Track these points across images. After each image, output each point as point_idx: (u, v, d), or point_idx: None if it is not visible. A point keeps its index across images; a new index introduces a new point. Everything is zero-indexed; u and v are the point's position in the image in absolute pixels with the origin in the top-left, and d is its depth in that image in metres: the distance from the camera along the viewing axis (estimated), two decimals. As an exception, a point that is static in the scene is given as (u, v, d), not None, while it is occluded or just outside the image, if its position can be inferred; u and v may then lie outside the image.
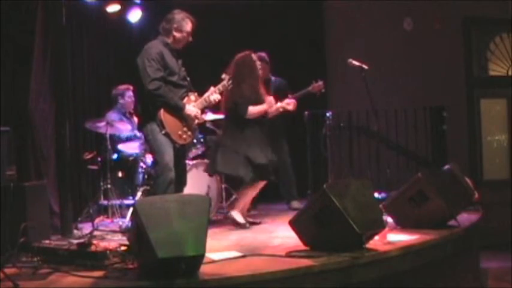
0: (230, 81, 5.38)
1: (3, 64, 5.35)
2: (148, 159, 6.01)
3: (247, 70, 5.54)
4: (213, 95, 5.31)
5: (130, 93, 6.51)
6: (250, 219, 5.74)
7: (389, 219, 4.87)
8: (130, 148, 6.31)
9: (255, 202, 6.97)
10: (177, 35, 5.15)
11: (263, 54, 6.82)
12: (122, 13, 7.02)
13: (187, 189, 5.32)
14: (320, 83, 6.62)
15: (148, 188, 5.87)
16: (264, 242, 4.69)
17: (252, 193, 5.62)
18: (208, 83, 5.44)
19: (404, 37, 8.34)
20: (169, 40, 5.16)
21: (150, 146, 5.13)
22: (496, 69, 8.68)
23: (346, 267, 3.75)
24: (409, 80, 8.15)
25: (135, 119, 6.34)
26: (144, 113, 5.14)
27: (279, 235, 4.96)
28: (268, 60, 6.73)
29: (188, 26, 5.17)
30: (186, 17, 5.18)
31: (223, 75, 5.42)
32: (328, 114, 7.16)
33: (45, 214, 4.86)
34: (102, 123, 5.93)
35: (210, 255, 3.71)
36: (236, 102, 5.48)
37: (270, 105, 5.64)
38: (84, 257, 3.74)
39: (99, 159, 6.14)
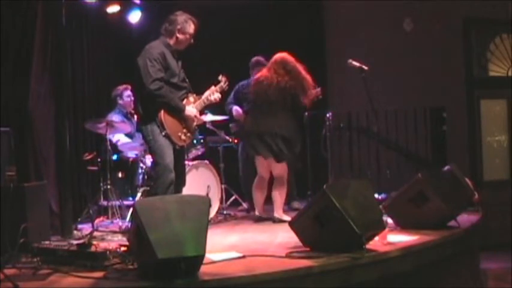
0: (227, 83, 5.47)
1: (3, 64, 5.35)
2: (148, 160, 6.01)
3: (297, 68, 5.84)
4: (214, 94, 5.36)
5: (129, 92, 6.52)
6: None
7: (390, 220, 4.87)
8: (131, 149, 6.32)
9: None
10: (180, 36, 5.14)
11: (261, 58, 6.80)
12: (122, 14, 7.02)
13: (187, 190, 5.32)
14: (317, 89, 6.55)
15: (148, 188, 5.87)
16: (264, 243, 4.69)
17: (285, 190, 5.95)
18: (207, 84, 5.47)
19: (404, 37, 8.34)
20: (172, 42, 5.15)
21: (150, 146, 5.10)
22: (496, 70, 8.68)
23: (346, 267, 3.75)
24: (409, 80, 8.15)
25: (135, 119, 6.35)
26: (144, 114, 5.12)
27: (279, 236, 4.96)
28: (266, 64, 6.72)
29: (191, 28, 5.17)
30: (189, 19, 5.17)
31: (220, 77, 5.48)
32: (328, 115, 7.16)
33: (45, 215, 4.85)
34: (102, 124, 5.93)
35: (210, 255, 3.70)
36: (297, 95, 5.81)
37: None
38: (84, 257, 3.73)
39: (99, 159, 6.14)
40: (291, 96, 5.79)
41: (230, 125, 6.98)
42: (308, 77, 5.85)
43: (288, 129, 5.81)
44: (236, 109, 6.83)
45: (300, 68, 5.84)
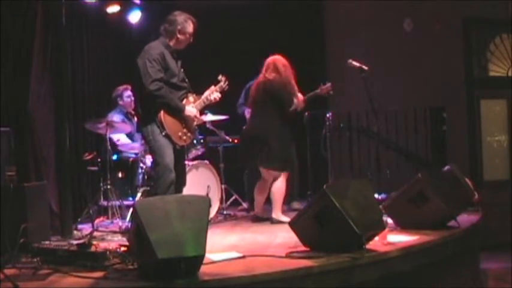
0: (226, 82, 5.47)
1: (3, 64, 5.35)
2: (148, 160, 6.01)
3: (289, 71, 5.93)
4: (214, 93, 5.37)
5: (129, 92, 6.52)
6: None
7: (390, 220, 4.87)
8: (131, 149, 6.32)
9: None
10: (180, 37, 5.15)
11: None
12: (122, 14, 7.03)
13: (187, 190, 5.32)
14: (328, 84, 6.55)
15: (148, 188, 5.87)
16: (264, 243, 4.69)
17: (283, 190, 5.89)
18: (207, 84, 5.47)
19: (404, 37, 8.34)
20: (172, 42, 5.15)
21: (150, 147, 5.11)
22: (496, 70, 8.68)
23: (346, 267, 3.75)
24: (409, 80, 8.14)
25: (136, 120, 6.35)
26: (144, 114, 5.13)
27: (279, 236, 4.96)
28: None
29: (190, 27, 5.18)
30: (188, 18, 5.18)
31: (220, 77, 5.48)
32: (328, 115, 7.16)
33: (45, 215, 4.85)
34: (102, 124, 5.92)
35: (210, 255, 3.71)
36: (289, 99, 5.85)
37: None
38: (84, 257, 3.73)
39: (99, 159, 6.14)
40: (277, 92, 5.82)
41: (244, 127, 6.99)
42: (294, 84, 5.95)
43: (275, 133, 5.80)
44: (249, 111, 6.83)
45: (290, 71, 5.93)
